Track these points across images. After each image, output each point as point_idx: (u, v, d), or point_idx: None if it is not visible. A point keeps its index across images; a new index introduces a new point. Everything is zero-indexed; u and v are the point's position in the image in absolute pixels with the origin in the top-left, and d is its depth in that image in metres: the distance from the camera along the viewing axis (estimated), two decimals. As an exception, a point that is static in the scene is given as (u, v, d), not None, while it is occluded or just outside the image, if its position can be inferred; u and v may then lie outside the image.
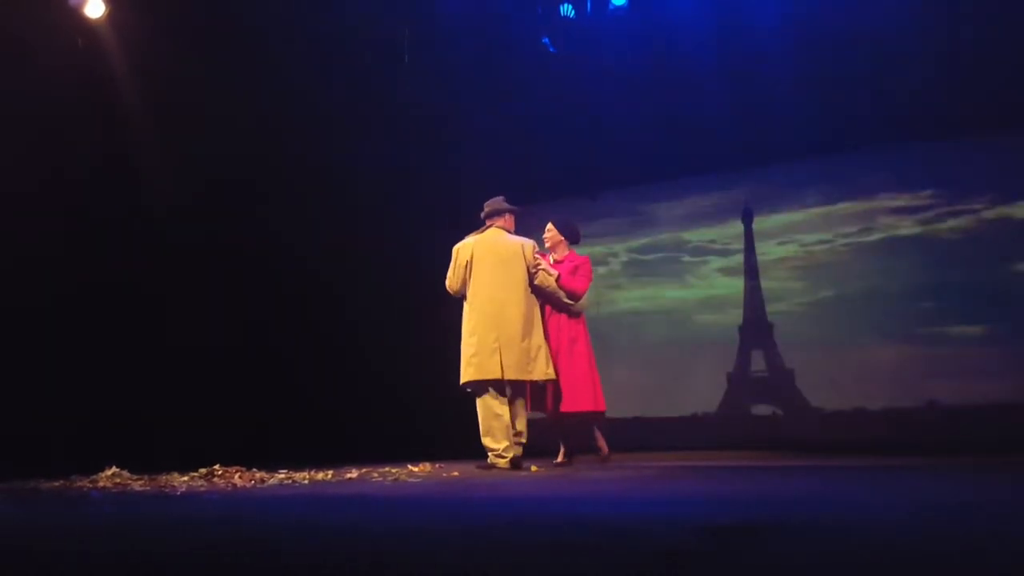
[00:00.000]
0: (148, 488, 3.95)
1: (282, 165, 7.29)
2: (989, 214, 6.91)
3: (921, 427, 6.67)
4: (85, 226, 6.11)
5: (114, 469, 4.42)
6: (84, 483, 4.18)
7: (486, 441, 5.06)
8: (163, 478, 4.32)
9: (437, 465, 5.19)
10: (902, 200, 7.25)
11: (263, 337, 7.15)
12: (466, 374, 5.08)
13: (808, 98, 6.84)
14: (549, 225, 5.61)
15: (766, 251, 7.83)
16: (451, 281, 5.25)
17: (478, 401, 5.11)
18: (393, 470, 4.81)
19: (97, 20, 6.12)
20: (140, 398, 6.13)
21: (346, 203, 7.77)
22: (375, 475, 4.59)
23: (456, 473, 4.79)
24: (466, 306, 5.20)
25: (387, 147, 7.63)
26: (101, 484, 4.14)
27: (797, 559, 1.66)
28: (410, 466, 5.01)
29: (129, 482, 4.19)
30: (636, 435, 7.68)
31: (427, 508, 3.02)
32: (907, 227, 7.21)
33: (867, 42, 6.52)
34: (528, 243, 5.24)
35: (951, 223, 7.06)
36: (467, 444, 7.92)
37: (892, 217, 7.28)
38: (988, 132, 6.76)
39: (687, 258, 8.18)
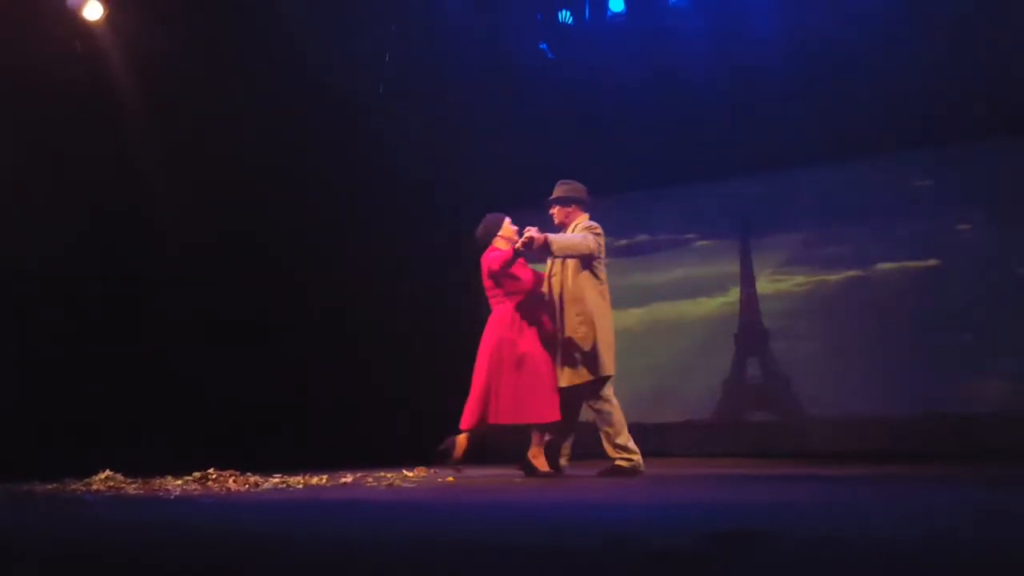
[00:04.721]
0: (142, 492, 3.94)
1: (282, 164, 7.29)
2: (988, 220, 6.90)
3: (917, 435, 6.67)
4: (83, 228, 6.09)
5: (108, 472, 4.40)
6: (78, 486, 4.16)
7: (625, 441, 4.70)
8: (157, 482, 4.30)
9: (432, 470, 5.18)
10: (899, 207, 7.25)
11: (259, 339, 7.13)
12: (611, 365, 4.75)
13: (807, 107, 6.86)
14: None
15: (762, 259, 7.84)
16: (597, 250, 4.82)
17: (612, 398, 4.74)
18: (388, 475, 4.80)
19: (95, 23, 6.11)
20: (135, 401, 6.11)
21: (345, 205, 7.77)
22: (370, 480, 4.59)
23: (451, 479, 4.78)
24: (602, 289, 4.87)
25: (383, 151, 7.63)
26: (95, 487, 4.13)
27: (792, 566, 1.66)
28: (405, 471, 5.00)
29: (123, 486, 4.17)
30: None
31: (421, 514, 3.02)
32: (904, 234, 7.21)
33: (866, 50, 6.52)
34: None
35: (948, 229, 7.06)
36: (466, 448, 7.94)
37: (889, 224, 7.28)
38: (988, 138, 6.77)
39: (683, 265, 8.18)
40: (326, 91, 7.09)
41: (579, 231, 4.85)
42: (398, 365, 7.96)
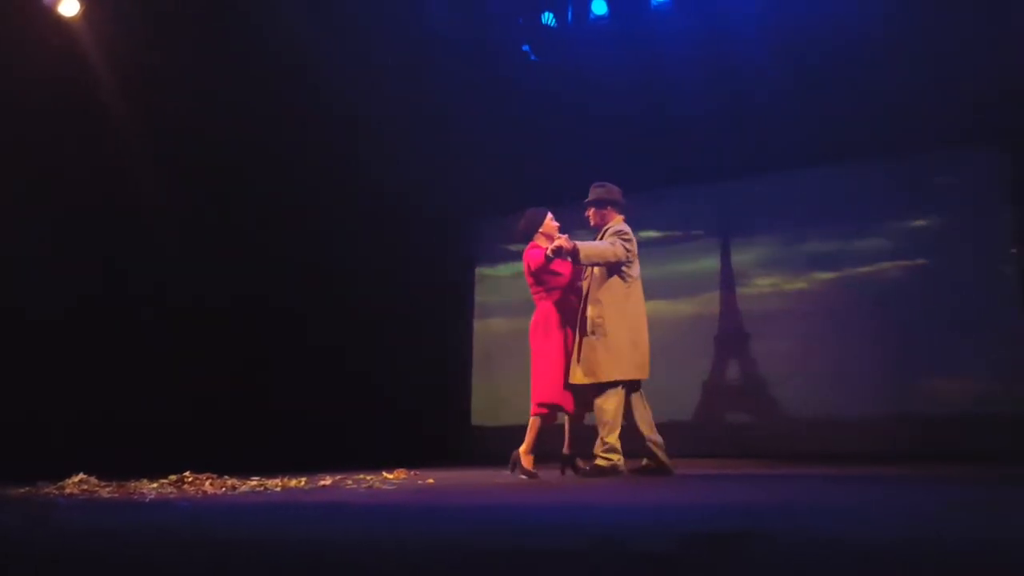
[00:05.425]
0: (117, 495, 3.88)
1: (268, 163, 7.23)
2: (972, 222, 6.92)
3: (896, 436, 6.70)
4: (60, 224, 6.02)
5: (82, 476, 4.33)
6: (51, 489, 4.09)
7: (613, 443, 4.72)
8: (132, 485, 4.23)
9: (412, 472, 5.14)
10: (882, 209, 7.28)
11: (238, 341, 7.07)
12: (633, 370, 4.73)
13: (790, 110, 6.88)
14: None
15: (743, 261, 7.86)
16: (624, 257, 4.75)
17: (610, 401, 4.71)
18: (367, 477, 4.76)
19: (72, 18, 6.03)
20: (111, 402, 6.03)
21: (335, 208, 7.73)
22: (349, 482, 4.55)
23: (431, 480, 4.75)
24: (629, 292, 4.80)
25: (373, 157, 7.57)
26: (68, 491, 4.06)
27: (780, 566, 1.65)
28: (384, 473, 4.96)
29: (97, 489, 4.10)
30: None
31: (401, 516, 2.99)
32: (887, 235, 7.25)
33: (852, 52, 6.53)
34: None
35: (934, 231, 7.09)
36: (447, 449, 7.91)
37: (871, 227, 7.32)
38: (973, 140, 6.80)
39: (664, 267, 8.18)
40: (312, 87, 7.04)
41: (609, 236, 4.83)
42: (379, 367, 7.92)
